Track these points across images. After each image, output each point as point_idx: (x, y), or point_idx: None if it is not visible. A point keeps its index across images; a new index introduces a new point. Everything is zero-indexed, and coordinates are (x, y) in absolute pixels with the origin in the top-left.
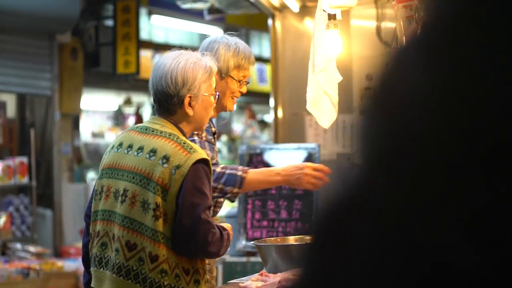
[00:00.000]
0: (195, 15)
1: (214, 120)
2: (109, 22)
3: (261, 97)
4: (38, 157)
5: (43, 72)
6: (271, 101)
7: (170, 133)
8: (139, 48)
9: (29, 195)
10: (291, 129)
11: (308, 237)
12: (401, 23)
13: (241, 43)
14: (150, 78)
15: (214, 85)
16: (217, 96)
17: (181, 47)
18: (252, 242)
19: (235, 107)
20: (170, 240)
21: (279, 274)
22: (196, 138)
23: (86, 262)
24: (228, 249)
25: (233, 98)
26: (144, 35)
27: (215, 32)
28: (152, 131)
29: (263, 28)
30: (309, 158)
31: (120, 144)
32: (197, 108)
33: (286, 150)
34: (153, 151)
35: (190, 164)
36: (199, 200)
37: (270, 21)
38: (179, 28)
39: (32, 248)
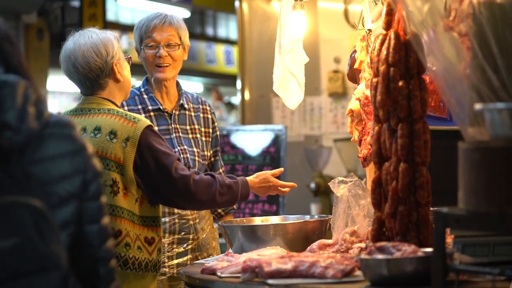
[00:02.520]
0: None
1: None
2: (76, 3)
3: (228, 79)
4: None
5: None
6: (238, 83)
7: (109, 108)
8: (105, 29)
9: None
10: (258, 111)
11: (273, 218)
12: (367, 5)
13: (150, 14)
14: (67, 65)
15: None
16: (129, 59)
17: None
18: (218, 223)
19: (166, 75)
20: (131, 214)
21: (244, 254)
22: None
23: None
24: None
25: (158, 67)
26: (110, 16)
27: (182, 13)
28: (89, 110)
29: (231, 10)
30: (276, 139)
31: None
32: (123, 73)
33: (253, 132)
34: (97, 129)
35: (139, 134)
36: (164, 161)
37: (237, 3)
38: (146, 9)
39: None
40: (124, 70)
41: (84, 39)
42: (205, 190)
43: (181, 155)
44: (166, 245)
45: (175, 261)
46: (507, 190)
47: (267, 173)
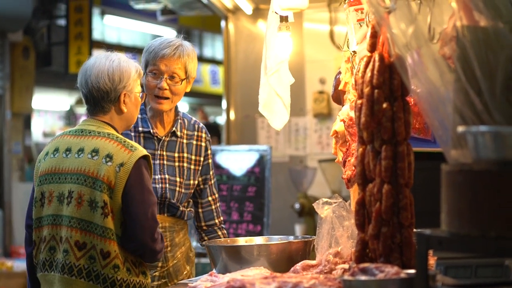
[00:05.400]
0: (148, 16)
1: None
2: (62, 22)
3: (214, 99)
4: None
5: None
6: (224, 103)
7: (109, 132)
8: (91, 48)
9: None
10: (243, 131)
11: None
12: (352, 26)
13: (163, 40)
14: (81, 78)
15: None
16: (143, 95)
17: (133, 48)
18: (202, 243)
19: (163, 107)
20: (118, 236)
21: (228, 274)
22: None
23: (31, 271)
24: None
25: (157, 97)
26: (96, 35)
27: (167, 33)
28: (89, 132)
29: (216, 30)
30: (261, 159)
31: (56, 149)
32: (129, 105)
33: (238, 152)
34: (95, 151)
35: (134, 162)
36: (146, 197)
37: (223, 23)
38: (132, 28)
39: None
40: (131, 103)
41: (105, 60)
42: (162, 243)
43: (160, 184)
44: None
45: None
46: (489, 212)
47: None
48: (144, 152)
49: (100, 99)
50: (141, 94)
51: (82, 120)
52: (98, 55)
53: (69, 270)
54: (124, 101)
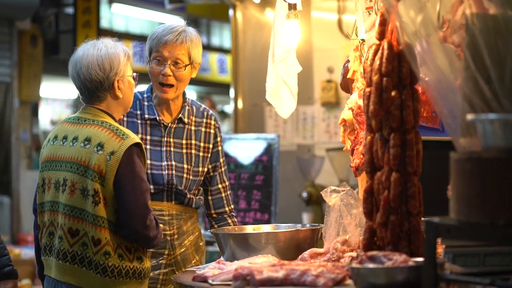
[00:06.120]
0: (156, 4)
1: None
2: (70, 10)
3: (221, 88)
4: None
5: (2, 59)
6: (231, 92)
7: (103, 121)
8: (99, 36)
9: None
10: (251, 119)
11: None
12: (361, 14)
13: (166, 26)
14: (72, 71)
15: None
16: (136, 76)
17: (141, 37)
18: (210, 230)
19: (168, 96)
20: (111, 223)
21: (235, 262)
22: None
23: (38, 253)
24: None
25: (162, 85)
26: (104, 23)
27: (175, 21)
28: (85, 120)
29: (224, 18)
30: (269, 148)
31: (56, 137)
32: (124, 90)
33: (246, 140)
34: (88, 140)
35: (124, 150)
36: (138, 185)
37: (231, 12)
38: (140, 17)
39: None
40: (125, 88)
41: (93, 50)
42: (156, 230)
43: (166, 171)
44: None
45: None
46: (498, 200)
47: None
48: (136, 139)
49: (95, 89)
50: (134, 75)
51: (81, 108)
52: (85, 45)
53: (63, 256)
54: (118, 87)
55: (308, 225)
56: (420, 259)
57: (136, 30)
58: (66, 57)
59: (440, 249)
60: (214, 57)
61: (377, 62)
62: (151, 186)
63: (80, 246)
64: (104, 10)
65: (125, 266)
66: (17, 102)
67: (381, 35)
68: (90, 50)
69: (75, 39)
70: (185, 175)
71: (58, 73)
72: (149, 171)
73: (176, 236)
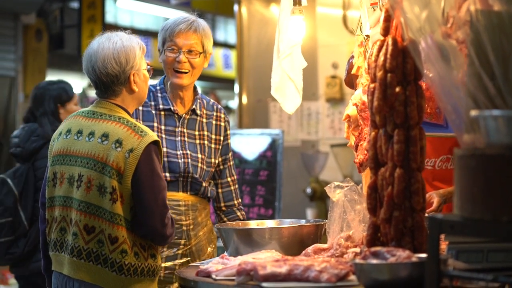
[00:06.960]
0: None
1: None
2: (75, 4)
3: (226, 83)
4: (0, 139)
5: (7, 53)
6: (236, 87)
7: (120, 116)
8: (104, 31)
9: None
10: (256, 115)
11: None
12: (366, 10)
13: (178, 17)
14: (87, 64)
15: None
16: (150, 69)
17: (146, 32)
18: (215, 225)
19: (183, 81)
20: (127, 221)
21: (239, 257)
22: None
23: (44, 248)
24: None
25: (176, 72)
26: (109, 18)
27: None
28: (101, 115)
29: (229, 13)
30: (273, 144)
31: (69, 131)
32: (140, 83)
33: (250, 136)
34: (105, 136)
35: (143, 147)
36: (156, 183)
37: (236, 7)
38: (145, 12)
39: None
40: (140, 81)
41: (108, 43)
42: (172, 228)
43: (182, 159)
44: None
45: (164, 264)
46: (501, 196)
47: None
48: (154, 137)
49: (111, 83)
50: (148, 68)
51: (95, 101)
52: (99, 38)
53: (78, 253)
54: (134, 80)
55: (312, 220)
56: (424, 255)
57: (141, 25)
58: (71, 52)
59: (444, 245)
60: (218, 52)
61: (381, 58)
62: (167, 174)
63: (95, 244)
64: (109, 4)
65: (141, 265)
66: (22, 97)
67: (386, 31)
68: (105, 43)
69: (80, 33)
70: (199, 165)
71: (62, 68)
72: (165, 159)
73: (191, 227)
